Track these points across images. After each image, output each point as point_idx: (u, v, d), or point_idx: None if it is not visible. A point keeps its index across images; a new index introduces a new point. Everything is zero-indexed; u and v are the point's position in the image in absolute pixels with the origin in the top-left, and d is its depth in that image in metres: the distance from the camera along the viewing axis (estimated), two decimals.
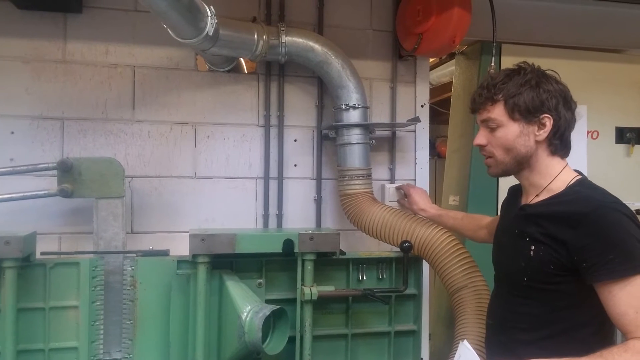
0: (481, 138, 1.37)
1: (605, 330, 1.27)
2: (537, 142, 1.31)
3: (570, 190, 1.29)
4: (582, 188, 1.29)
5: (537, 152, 1.33)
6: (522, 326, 1.32)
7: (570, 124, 1.32)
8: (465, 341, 1.22)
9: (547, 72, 1.33)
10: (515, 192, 1.47)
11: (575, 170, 1.36)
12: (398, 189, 2.14)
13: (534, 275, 1.28)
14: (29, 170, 1.84)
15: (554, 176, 1.32)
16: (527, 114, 1.29)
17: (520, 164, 1.35)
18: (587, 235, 1.19)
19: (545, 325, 1.28)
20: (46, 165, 1.82)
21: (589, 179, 1.35)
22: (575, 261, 1.21)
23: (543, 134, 1.30)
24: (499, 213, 1.58)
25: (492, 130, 1.34)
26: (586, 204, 1.22)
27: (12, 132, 1.92)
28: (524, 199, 1.40)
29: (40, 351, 1.65)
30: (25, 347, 1.62)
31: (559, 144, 1.32)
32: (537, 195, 1.34)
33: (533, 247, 1.28)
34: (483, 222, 1.76)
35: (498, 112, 1.32)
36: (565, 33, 2.55)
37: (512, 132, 1.31)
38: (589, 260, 1.18)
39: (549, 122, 1.29)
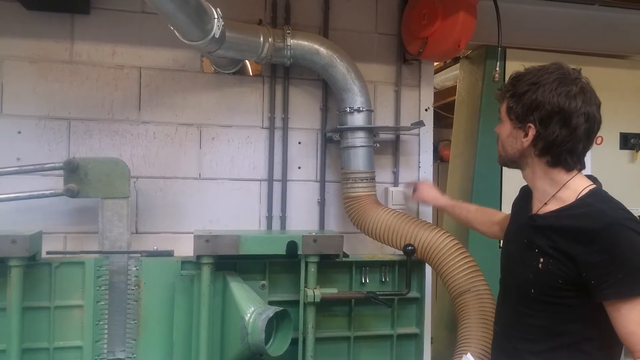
0: (497, 127, 1.40)
1: (612, 346, 1.25)
2: (523, 147, 1.30)
3: (582, 202, 1.24)
4: (594, 200, 1.24)
5: (529, 157, 1.31)
6: (528, 337, 1.30)
7: (565, 142, 1.24)
8: (468, 354, 1.21)
9: (574, 80, 1.26)
10: (526, 194, 1.43)
11: (589, 177, 1.32)
12: (407, 185, 2.13)
13: (541, 288, 1.26)
14: (35, 170, 1.86)
15: (562, 184, 1.28)
16: (517, 117, 1.30)
17: (514, 162, 1.37)
18: (597, 253, 1.16)
19: (552, 337, 1.27)
20: (52, 165, 1.84)
21: (606, 191, 1.29)
22: (584, 277, 1.18)
23: (526, 141, 1.29)
24: (511, 212, 1.54)
25: (500, 123, 1.38)
26: (598, 219, 1.18)
27: (19, 132, 1.94)
28: (533, 204, 1.37)
29: (44, 350, 1.66)
30: (30, 346, 1.63)
31: (552, 159, 1.27)
32: (545, 204, 1.31)
33: (542, 260, 1.25)
34: (496, 217, 1.73)
35: (503, 108, 1.36)
36: (570, 38, 2.55)
37: (505, 130, 1.35)
38: (598, 278, 1.16)
39: (531, 132, 1.27)
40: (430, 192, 1.94)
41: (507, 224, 1.51)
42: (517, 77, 1.32)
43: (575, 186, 1.27)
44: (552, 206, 1.29)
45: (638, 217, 1.27)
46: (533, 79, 1.27)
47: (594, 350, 1.23)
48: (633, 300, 1.13)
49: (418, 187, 1.99)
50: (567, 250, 1.20)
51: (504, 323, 1.41)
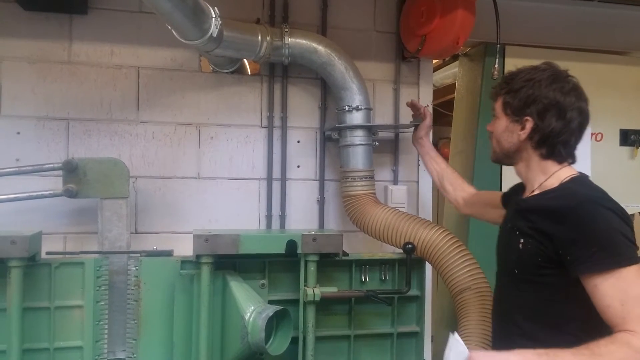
0: (490, 125, 1.47)
1: (595, 324, 1.27)
2: (520, 140, 1.36)
3: (562, 186, 1.32)
4: (573, 184, 1.32)
5: (524, 150, 1.38)
6: (517, 317, 1.36)
7: (561, 134, 1.31)
8: (455, 333, 1.24)
9: (566, 78, 1.33)
10: (517, 190, 1.51)
11: (579, 172, 1.38)
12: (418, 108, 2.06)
13: (523, 267, 1.33)
14: (34, 171, 1.86)
15: (550, 175, 1.36)
16: (513, 111, 1.36)
17: (509, 157, 1.43)
18: (572, 230, 1.21)
19: (537, 317, 1.32)
20: (51, 165, 1.84)
21: (590, 179, 1.36)
22: (561, 254, 1.24)
23: (522, 134, 1.35)
24: (502, 201, 1.62)
25: (495, 120, 1.44)
26: (571, 198, 1.26)
27: (18, 133, 1.94)
28: (524, 195, 1.45)
29: (45, 350, 1.66)
30: (31, 346, 1.63)
31: (547, 151, 1.34)
32: (532, 192, 1.39)
33: (522, 241, 1.32)
34: (467, 188, 1.85)
35: (498, 104, 1.42)
36: (569, 35, 2.54)
37: (501, 126, 1.41)
38: (574, 253, 1.21)
39: (528, 125, 1.34)
40: (424, 130, 2.02)
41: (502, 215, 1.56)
42: (511, 76, 1.39)
43: (560, 175, 1.35)
44: (537, 192, 1.37)
45: (638, 214, 1.31)
46: (527, 76, 1.35)
47: (577, 330, 1.27)
48: (608, 273, 1.16)
49: (427, 120, 2.03)
50: (544, 229, 1.26)
51: (498, 306, 1.48)
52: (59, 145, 1.97)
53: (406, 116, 2.26)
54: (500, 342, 1.42)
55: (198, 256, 1.64)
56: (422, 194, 2.29)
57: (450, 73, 3.08)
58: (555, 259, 1.25)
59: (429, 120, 2.04)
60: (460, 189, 1.86)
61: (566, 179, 1.33)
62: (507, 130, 1.39)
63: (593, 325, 1.27)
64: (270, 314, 1.51)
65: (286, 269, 1.79)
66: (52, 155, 1.95)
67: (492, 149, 1.47)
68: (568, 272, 1.23)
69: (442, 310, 2.70)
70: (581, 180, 1.34)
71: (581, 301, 1.24)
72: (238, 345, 1.56)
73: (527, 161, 1.39)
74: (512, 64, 2.39)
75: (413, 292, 1.89)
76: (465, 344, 1.68)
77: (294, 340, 1.70)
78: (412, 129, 2.25)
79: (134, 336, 1.71)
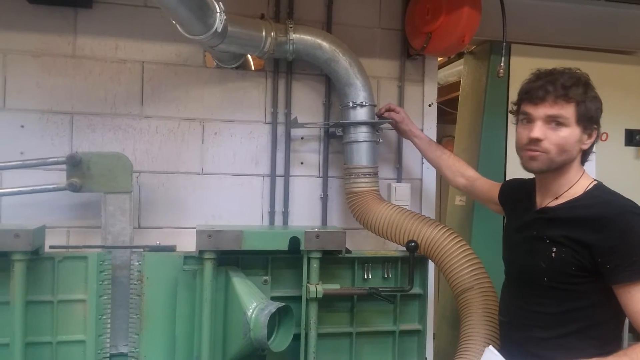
0: (540, 132, 1.32)
1: (617, 331, 1.34)
2: (583, 150, 1.37)
3: (589, 194, 1.34)
4: (601, 193, 1.34)
5: (575, 159, 1.38)
6: (539, 324, 1.37)
7: (597, 139, 1.37)
8: (490, 346, 1.24)
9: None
10: (522, 187, 1.50)
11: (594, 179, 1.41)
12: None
13: (555, 276, 1.33)
14: (38, 164, 1.86)
15: (574, 182, 1.37)
16: (587, 122, 1.33)
17: (562, 167, 1.37)
18: (612, 239, 1.24)
19: (563, 323, 1.33)
20: (55, 159, 1.83)
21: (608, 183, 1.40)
22: (599, 263, 1.25)
23: (588, 143, 1.35)
24: (502, 204, 1.63)
25: (556, 127, 1.32)
26: (610, 208, 1.28)
27: (22, 126, 1.94)
28: (540, 200, 1.43)
29: (47, 344, 1.67)
30: (33, 340, 1.64)
31: (582, 159, 1.39)
32: (555, 198, 1.38)
33: (554, 249, 1.32)
34: (467, 172, 1.87)
35: (569, 112, 1.31)
36: (575, 34, 2.53)
37: (574, 136, 1.33)
38: (613, 262, 1.23)
39: (595, 134, 1.35)
40: (410, 123, 2.02)
41: (506, 222, 1.58)
42: (576, 81, 1.33)
43: (583, 183, 1.37)
44: (562, 200, 1.37)
45: None
46: (585, 80, 1.34)
47: (601, 335, 1.31)
48: None
49: (403, 114, 2.02)
50: (581, 238, 1.27)
51: (512, 313, 1.47)
52: (62, 139, 1.97)
53: (411, 114, 2.23)
54: (515, 350, 1.41)
55: (201, 252, 1.64)
56: (426, 192, 2.28)
57: (455, 71, 3.07)
58: (589, 268, 1.27)
59: (401, 114, 2.02)
60: (458, 173, 1.88)
61: (590, 187, 1.36)
62: (579, 141, 1.34)
63: (616, 330, 1.34)
64: (273, 310, 1.51)
65: (289, 265, 1.79)
66: (56, 149, 1.95)
67: (548, 158, 1.33)
68: (600, 280, 1.26)
69: (444, 309, 2.70)
70: (605, 188, 1.37)
71: (609, 308, 1.28)
72: (240, 341, 1.57)
73: (566, 168, 1.37)
74: (518, 62, 2.39)
75: (415, 290, 1.89)
76: (468, 344, 1.69)
77: (296, 337, 1.70)
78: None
79: (137, 331, 1.72)
